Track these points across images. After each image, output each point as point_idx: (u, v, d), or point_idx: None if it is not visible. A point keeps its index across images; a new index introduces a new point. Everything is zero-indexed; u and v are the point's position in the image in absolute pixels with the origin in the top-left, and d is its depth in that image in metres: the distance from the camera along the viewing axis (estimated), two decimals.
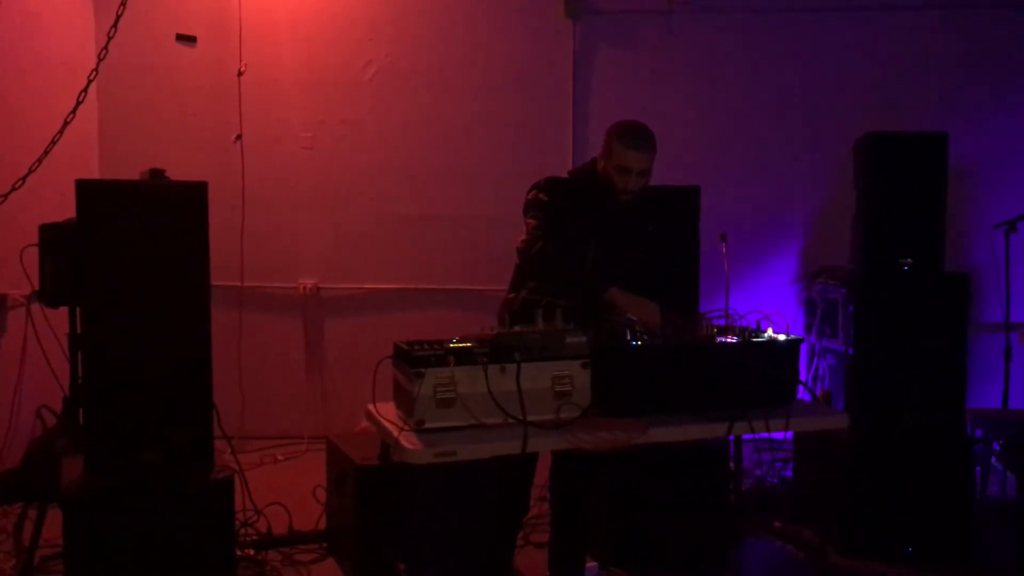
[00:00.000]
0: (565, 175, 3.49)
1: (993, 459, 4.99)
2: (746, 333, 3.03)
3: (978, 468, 4.57)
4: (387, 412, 2.91)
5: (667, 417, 2.87)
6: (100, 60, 3.94)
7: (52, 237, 3.84)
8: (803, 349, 4.91)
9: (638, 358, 2.90)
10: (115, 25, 3.76)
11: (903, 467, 4.25)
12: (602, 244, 3.29)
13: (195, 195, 3.55)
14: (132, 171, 3.86)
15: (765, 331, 3.07)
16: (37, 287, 4.00)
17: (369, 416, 2.99)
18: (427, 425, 2.66)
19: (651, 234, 3.38)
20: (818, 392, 4.83)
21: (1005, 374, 5.35)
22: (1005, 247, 5.40)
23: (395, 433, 2.65)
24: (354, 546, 3.85)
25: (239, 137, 6.00)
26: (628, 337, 2.91)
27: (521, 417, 2.67)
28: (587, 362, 2.79)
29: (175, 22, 5.97)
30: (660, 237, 3.41)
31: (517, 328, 2.84)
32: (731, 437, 4.12)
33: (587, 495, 3.47)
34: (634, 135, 3.26)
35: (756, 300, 5.54)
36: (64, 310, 3.90)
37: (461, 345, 2.71)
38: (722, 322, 3.08)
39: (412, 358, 2.66)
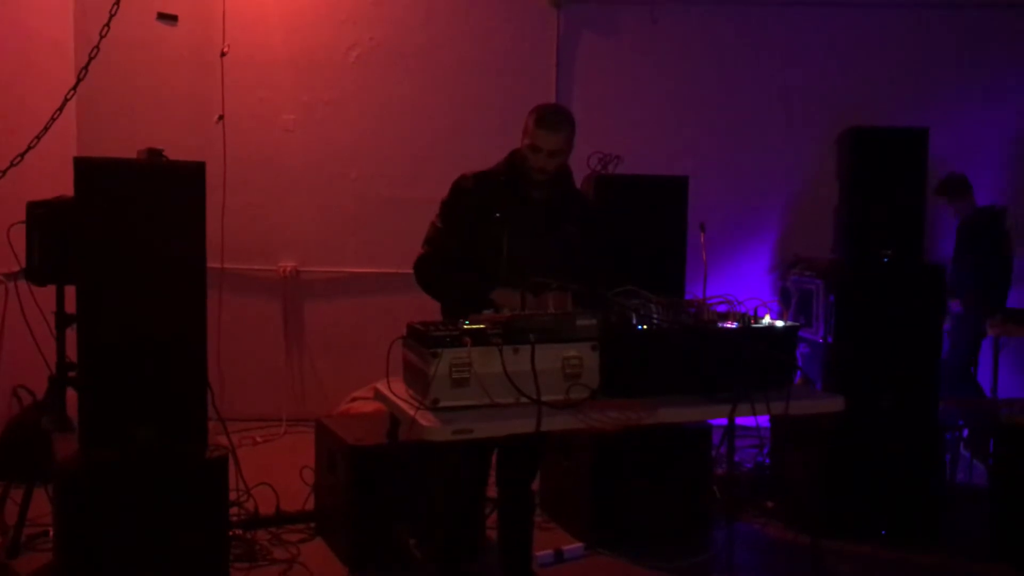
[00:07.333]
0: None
1: (961, 446, 5.15)
2: (746, 319, 3.11)
3: (948, 455, 4.72)
4: (397, 391, 2.93)
5: (673, 398, 2.94)
6: (102, 37, 3.91)
7: (42, 215, 3.80)
8: None
9: (646, 341, 2.97)
10: (118, 2, 3.71)
11: (877, 453, 4.38)
12: (516, 235, 3.30)
13: (193, 175, 3.57)
14: (110, 149, 3.83)
15: (763, 317, 3.16)
16: (23, 265, 3.95)
17: (379, 394, 3.01)
18: (442, 404, 2.70)
19: (570, 233, 3.36)
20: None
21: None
22: None
23: (411, 412, 2.68)
24: (348, 525, 3.88)
25: (221, 118, 5.95)
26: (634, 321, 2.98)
27: (535, 397, 2.72)
28: (596, 344, 2.85)
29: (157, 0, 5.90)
30: (578, 240, 3.36)
31: (528, 311, 2.89)
32: (710, 423, 4.25)
33: (529, 484, 3.52)
34: (547, 116, 3.34)
35: (733, 289, 5.60)
36: (50, 288, 3.86)
37: (475, 327, 2.76)
38: (723, 307, 3.16)
39: (428, 338, 2.70)
